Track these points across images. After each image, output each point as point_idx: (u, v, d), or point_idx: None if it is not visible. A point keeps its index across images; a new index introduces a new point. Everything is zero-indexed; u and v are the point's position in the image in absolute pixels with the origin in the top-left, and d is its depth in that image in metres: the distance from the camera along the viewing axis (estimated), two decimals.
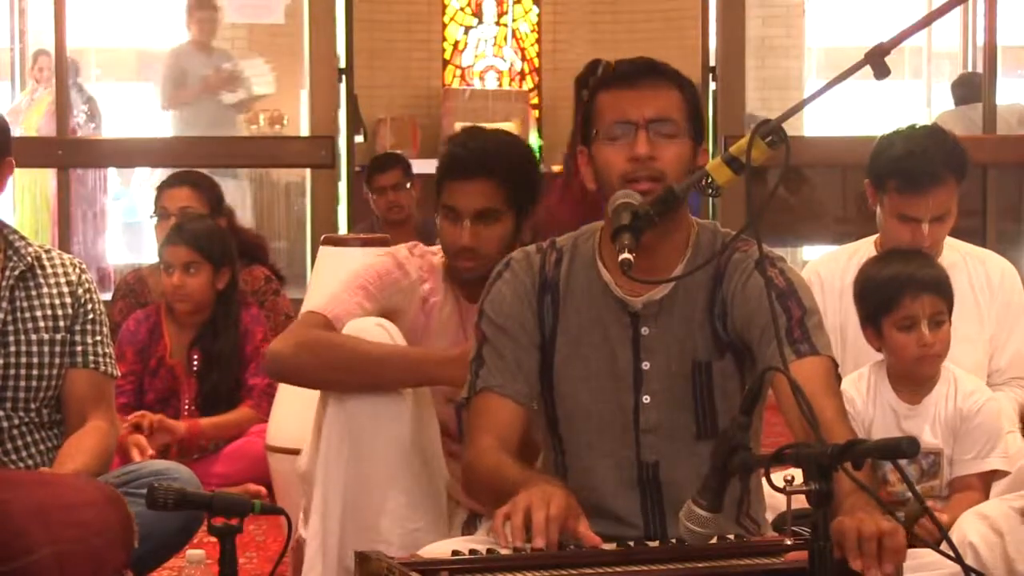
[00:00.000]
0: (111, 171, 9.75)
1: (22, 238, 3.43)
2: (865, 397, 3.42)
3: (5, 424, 3.32)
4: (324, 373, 3.09)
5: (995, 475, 3.38)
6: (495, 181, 3.17)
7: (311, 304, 3.27)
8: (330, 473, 3.07)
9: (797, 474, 2.16)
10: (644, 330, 2.73)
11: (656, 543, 2.50)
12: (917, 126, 3.85)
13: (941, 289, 3.38)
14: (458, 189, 3.19)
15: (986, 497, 3.31)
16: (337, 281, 3.30)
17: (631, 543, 2.45)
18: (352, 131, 8.26)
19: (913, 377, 3.41)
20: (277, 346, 3.19)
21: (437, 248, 3.31)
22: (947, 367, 3.44)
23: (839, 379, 2.68)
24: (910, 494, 3.32)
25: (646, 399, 2.73)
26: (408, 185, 7.14)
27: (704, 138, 2.78)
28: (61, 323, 3.38)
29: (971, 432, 3.37)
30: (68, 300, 3.40)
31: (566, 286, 2.78)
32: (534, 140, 11.70)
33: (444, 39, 12.64)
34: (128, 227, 11.20)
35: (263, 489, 4.60)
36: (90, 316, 3.41)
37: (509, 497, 2.49)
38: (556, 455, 2.81)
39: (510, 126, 11.44)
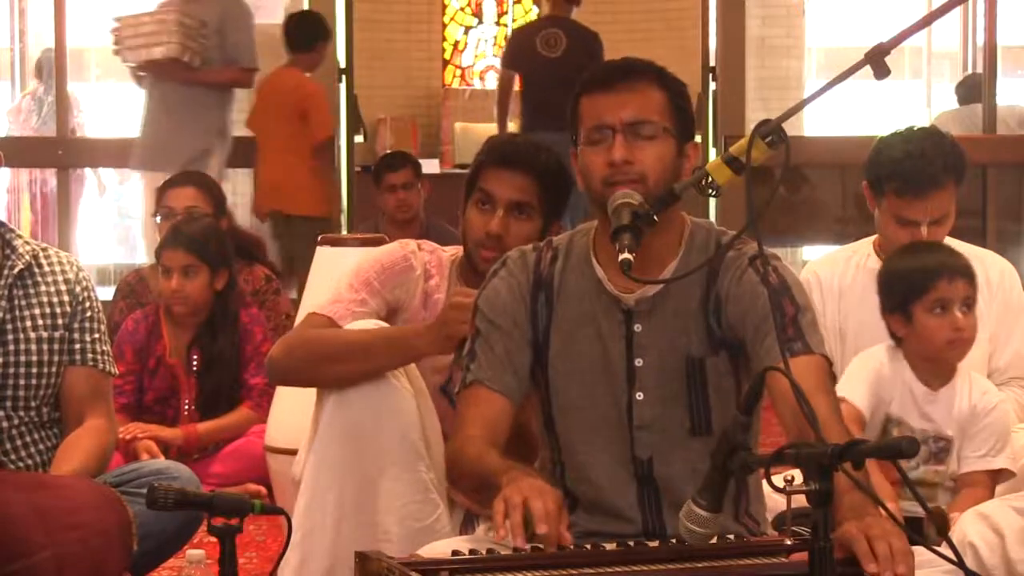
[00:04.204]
0: (87, 171, 9.75)
1: (19, 236, 3.43)
2: (890, 368, 3.45)
3: (5, 424, 3.32)
4: (316, 368, 3.11)
5: (1001, 475, 3.41)
6: (536, 178, 3.18)
7: (314, 303, 3.29)
8: (324, 466, 3.07)
9: (797, 474, 2.16)
10: (637, 327, 2.74)
11: (656, 543, 2.50)
12: (915, 128, 3.84)
13: (970, 276, 3.44)
14: (498, 176, 3.19)
15: (992, 495, 3.34)
16: (337, 278, 3.31)
17: (631, 543, 2.45)
18: (352, 131, 8.26)
19: (938, 364, 3.43)
20: (274, 351, 3.24)
21: (450, 247, 3.32)
22: (961, 366, 3.47)
23: (833, 377, 2.69)
24: (915, 474, 3.37)
25: (639, 396, 2.73)
26: (418, 185, 7.14)
27: (691, 135, 2.78)
28: (60, 321, 3.38)
29: (982, 430, 3.41)
30: (66, 298, 3.40)
31: (560, 283, 2.79)
32: None
33: (444, 39, 12.66)
34: (115, 227, 11.23)
35: (263, 489, 4.61)
36: (88, 314, 3.42)
37: (489, 486, 2.50)
38: (553, 452, 2.82)
39: (510, 126, 11.44)
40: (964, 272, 3.43)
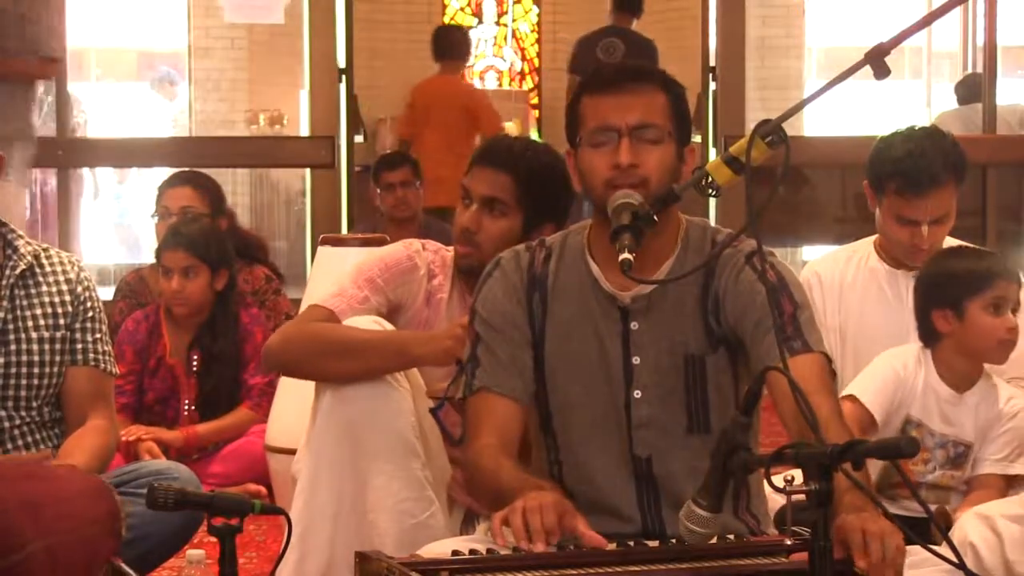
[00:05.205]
0: (85, 172, 9.75)
1: (20, 236, 3.43)
2: (915, 369, 3.45)
3: (7, 424, 3.32)
4: (313, 361, 3.11)
5: (1016, 480, 3.42)
6: (511, 176, 3.20)
7: (317, 296, 3.29)
8: (321, 464, 3.07)
9: (797, 474, 2.16)
10: (633, 325, 2.74)
11: (656, 543, 2.50)
12: (916, 127, 3.84)
13: (1019, 281, 3.50)
14: (477, 173, 3.24)
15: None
16: (341, 274, 3.31)
17: (631, 543, 2.45)
18: (352, 131, 8.26)
19: (973, 365, 3.45)
20: (272, 339, 3.25)
21: (452, 247, 3.33)
22: (987, 371, 3.48)
23: (833, 375, 2.69)
24: (931, 477, 3.37)
25: (637, 394, 2.73)
26: (417, 183, 7.18)
27: (689, 139, 2.78)
28: (61, 321, 3.38)
29: (1003, 435, 3.43)
30: (68, 298, 3.40)
31: (555, 281, 2.79)
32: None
33: None
34: (116, 227, 11.24)
35: (263, 489, 4.61)
36: (89, 314, 3.42)
37: (505, 501, 2.49)
38: (550, 452, 2.81)
39: (510, 126, 11.45)
40: (1016, 276, 3.48)
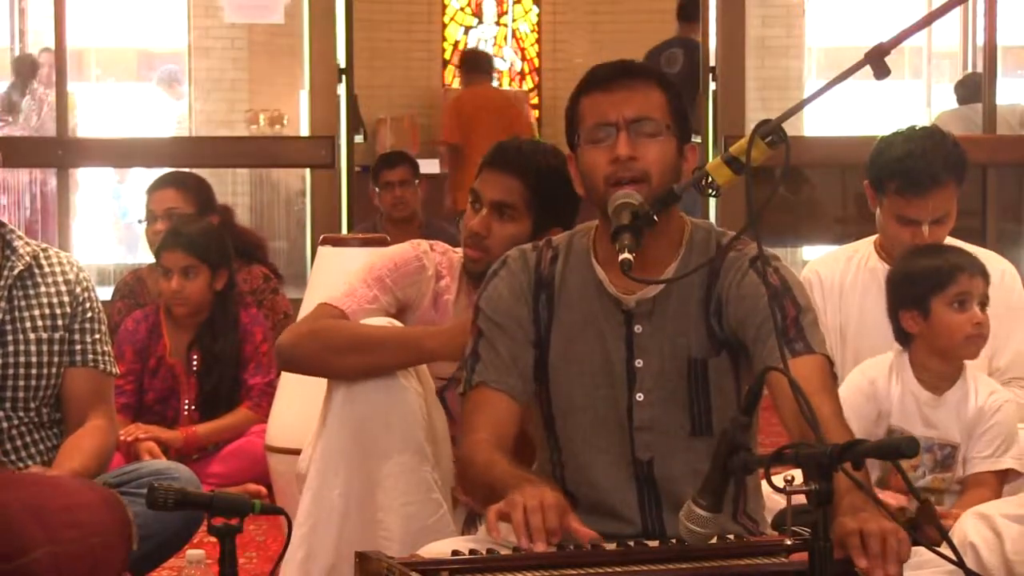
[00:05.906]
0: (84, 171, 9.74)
1: (20, 237, 3.43)
2: (888, 379, 3.43)
3: (5, 424, 3.32)
4: (325, 357, 3.12)
5: (1008, 475, 3.41)
6: (522, 180, 3.20)
7: (325, 295, 3.29)
8: (330, 461, 3.08)
9: (797, 474, 2.16)
10: (637, 328, 2.73)
11: (656, 543, 2.50)
12: (917, 127, 3.84)
13: (987, 275, 3.47)
14: (487, 177, 3.24)
15: (999, 495, 3.33)
16: (343, 277, 3.32)
17: (631, 543, 2.45)
18: (352, 131, 8.26)
19: (948, 363, 3.43)
20: (284, 337, 3.25)
21: (461, 249, 3.34)
22: (967, 365, 3.46)
23: (835, 377, 2.69)
24: (922, 482, 3.37)
25: (640, 397, 2.73)
26: (416, 183, 7.20)
27: (689, 137, 2.78)
28: (60, 322, 3.38)
29: (989, 431, 3.41)
30: (66, 299, 3.40)
31: (561, 283, 2.79)
32: None
33: (444, 39, 12.65)
34: (115, 227, 11.25)
35: (263, 489, 4.60)
36: (88, 315, 3.41)
37: (498, 496, 2.50)
38: (552, 453, 2.81)
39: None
40: (982, 270, 3.46)
